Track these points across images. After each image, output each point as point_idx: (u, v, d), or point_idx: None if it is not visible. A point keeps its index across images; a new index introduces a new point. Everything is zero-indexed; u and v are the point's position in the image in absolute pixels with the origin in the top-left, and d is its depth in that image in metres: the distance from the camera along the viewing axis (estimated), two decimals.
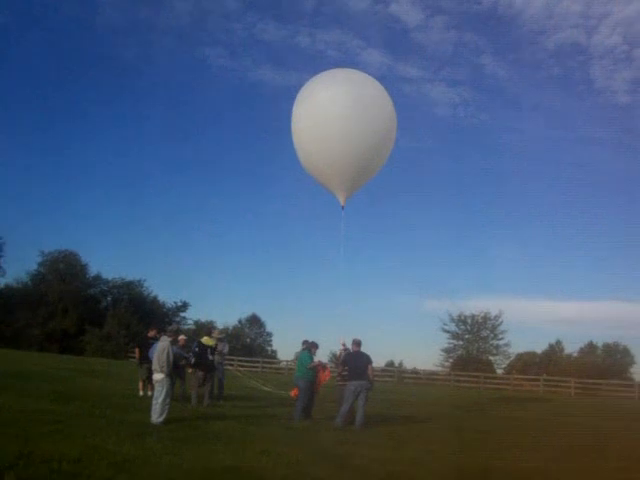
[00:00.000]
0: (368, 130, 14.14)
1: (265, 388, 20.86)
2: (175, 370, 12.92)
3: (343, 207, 14.74)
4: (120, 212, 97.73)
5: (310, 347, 15.03)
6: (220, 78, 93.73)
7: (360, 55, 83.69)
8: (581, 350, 59.69)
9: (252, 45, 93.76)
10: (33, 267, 62.49)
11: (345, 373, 14.13)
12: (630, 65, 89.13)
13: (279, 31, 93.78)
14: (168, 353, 11.89)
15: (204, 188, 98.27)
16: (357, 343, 14.21)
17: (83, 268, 62.59)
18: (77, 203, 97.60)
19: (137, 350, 18.06)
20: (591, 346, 59.90)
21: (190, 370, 16.15)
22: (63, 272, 60.47)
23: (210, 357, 15.91)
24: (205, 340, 16.25)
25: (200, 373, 15.82)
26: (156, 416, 11.57)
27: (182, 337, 16.80)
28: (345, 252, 15.07)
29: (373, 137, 14.29)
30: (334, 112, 13.96)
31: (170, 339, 12.37)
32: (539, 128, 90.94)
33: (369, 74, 15.41)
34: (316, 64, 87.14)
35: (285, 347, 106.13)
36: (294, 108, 14.92)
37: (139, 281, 64.85)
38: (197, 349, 16.04)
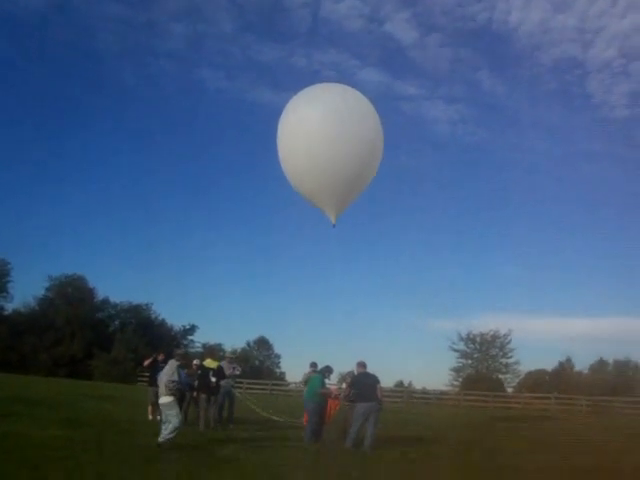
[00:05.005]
0: (354, 142, 13.75)
1: (275, 417, 20.60)
2: (182, 394, 12.84)
3: (334, 225, 14.37)
4: (127, 235, 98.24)
5: (324, 372, 14.88)
6: (217, 99, 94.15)
7: (357, 75, 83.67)
8: (591, 367, 59.09)
9: (248, 66, 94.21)
10: (40, 292, 62.97)
11: (352, 396, 13.80)
12: (627, 79, 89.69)
13: (275, 52, 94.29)
14: (176, 375, 11.83)
15: (206, 210, 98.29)
16: (362, 365, 14.01)
17: (91, 292, 62.87)
18: (84, 227, 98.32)
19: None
20: (602, 363, 59.18)
21: (195, 394, 16.09)
22: (71, 296, 60.63)
23: (213, 379, 15.84)
24: (207, 363, 16.21)
25: (203, 396, 15.74)
26: (163, 439, 11.47)
27: (195, 362, 16.76)
28: (341, 271, 14.66)
29: (359, 148, 13.88)
30: (317, 127, 13.68)
31: (177, 363, 12.32)
32: (539, 143, 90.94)
33: (366, 93, 15.13)
34: (313, 84, 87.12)
35: (294, 369, 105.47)
36: (279, 126, 14.62)
37: (147, 304, 65.21)
38: (199, 371, 16.00)
